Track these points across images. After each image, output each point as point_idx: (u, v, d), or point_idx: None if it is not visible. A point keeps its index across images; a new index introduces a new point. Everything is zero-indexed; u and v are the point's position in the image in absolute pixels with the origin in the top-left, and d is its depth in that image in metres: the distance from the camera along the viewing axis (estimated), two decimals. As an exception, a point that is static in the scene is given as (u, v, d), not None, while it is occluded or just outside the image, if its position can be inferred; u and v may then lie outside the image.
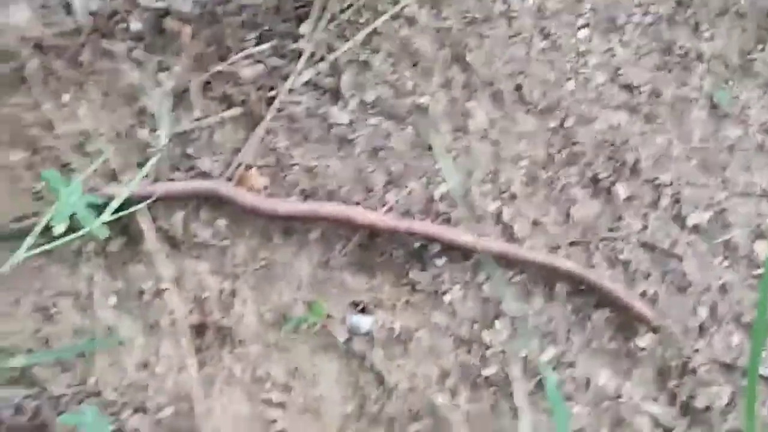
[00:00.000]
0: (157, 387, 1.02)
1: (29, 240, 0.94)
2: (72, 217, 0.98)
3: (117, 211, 0.98)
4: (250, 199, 1.02)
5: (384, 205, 1.03)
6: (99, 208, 0.99)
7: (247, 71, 1.05)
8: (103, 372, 1.02)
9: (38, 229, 0.95)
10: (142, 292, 1.04)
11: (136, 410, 1.01)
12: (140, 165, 1.05)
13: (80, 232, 0.96)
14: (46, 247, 0.95)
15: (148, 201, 1.01)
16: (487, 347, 1.01)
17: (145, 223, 1.02)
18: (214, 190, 1.02)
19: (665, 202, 1.02)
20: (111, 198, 0.99)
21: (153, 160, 1.02)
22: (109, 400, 1.01)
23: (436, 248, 1.02)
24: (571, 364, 1.00)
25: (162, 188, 1.02)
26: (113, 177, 1.05)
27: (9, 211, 1.05)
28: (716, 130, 1.05)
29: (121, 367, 1.03)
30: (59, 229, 0.96)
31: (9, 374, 1.02)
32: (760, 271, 1.00)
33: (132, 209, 1.00)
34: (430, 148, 1.04)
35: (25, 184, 1.06)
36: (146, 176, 1.02)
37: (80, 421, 0.98)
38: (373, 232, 1.02)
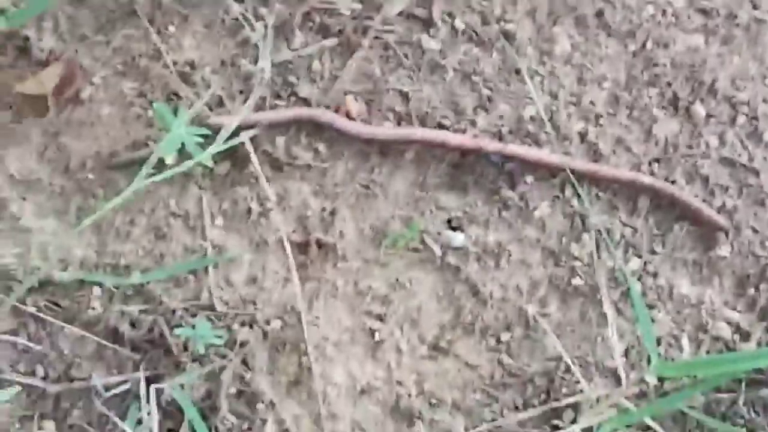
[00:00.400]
0: (265, 300, 1.08)
1: (144, 170, 0.99)
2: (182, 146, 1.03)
3: (224, 140, 1.04)
4: (349, 124, 1.07)
5: (475, 127, 1.08)
6: (207, 137, 1.04)
7: (343, 2, 1.10)
8: (214, 287, 1.08)
9: (153, 159, 1.00)
10: (248, 212, 1.09)
11: (244, 323, 1.08)
12: (242, 93, 1.11)
13: (189, 163, 1.01)
14: (160, 176, 1.00)
15: (254, 130, 1.06)
16: (575, 259, 1.06)
17: (249, 148, 1.08)
18: (316, 116, 1.07)
19: (742, 119, 1.07)
20: (219, 128, 1.04)
21: (257, 91, 1.07)
22: (220, 313, 1.07)
23: (525, 167, 1.07)
24: (655, 274, 1.05)
25: (266, 116, 1.07)
26: (219, 104, 1.10)
27: (122, 136, 1.11)
28: (790, 50, 1.09)
29: (231, 282, 1.09)
30: (169, 158, 1.02)
31: (126, 291, 1.09)
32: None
33: (238, 139, 1.05)
34: (517, 72, 1.09)
35: (136, 111, 1.11)
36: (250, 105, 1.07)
37: (194, 334, 1.04)
38: (464, 153, 1.07)
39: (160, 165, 1.01)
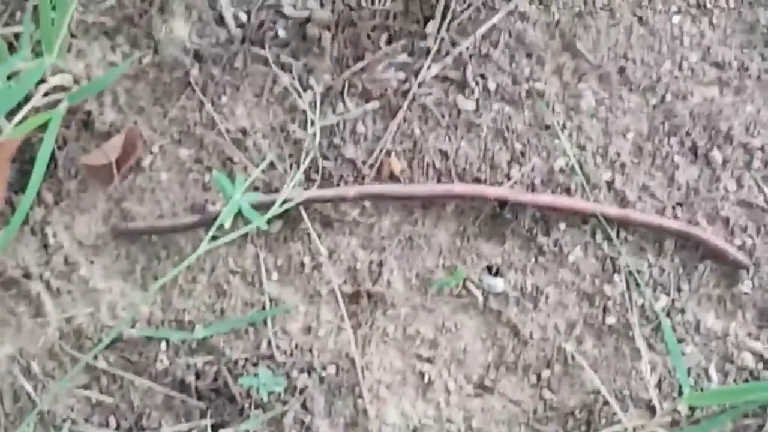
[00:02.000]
0: (320, 348, 1.16)
1: (208, 235, 1.06)
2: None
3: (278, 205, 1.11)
4: (392, 187, 1.14)
5: (509, 180, 1.16)
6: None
7: (383, 68, 1.18)
8: (273, 338, 1.16)
9: (214, 227, 1.06)
10: (301, 267, 1.17)
11: (303, 370, 1.15)
12: (292, 156, 1.18)
13: (248, 227, 1.08)
14: (221, 240, 1.08)
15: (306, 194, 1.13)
16: (608, 299, 1.14)
17: (302, 211, 1.15)
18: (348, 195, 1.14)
19: (757, 163, 1.15)
20: (272, 201, 1.11)
21: (307, 158, 1.14)
22: (280, 362, 1.15)
23: (557, 215, 1.15)
24: (682, 310, 1.13)
25: (314, 194, 1.14)
26: (270, 166, 1.18)
27: (181, 200, 1.19)
28: (799, 98, 1.17)
29: (288, 332, 1.16)
30: (228, 223, 1.08)
31: (191, 344, 1.16)
32: None
33: (292, 203, 1.11)
34: (547, 127, 1.17)
35: (194, 176, 1.19)
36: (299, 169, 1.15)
37: (256, 382, 1.12)
38: (501, 204, 1.15)
39: (221, 230, 1.08)
